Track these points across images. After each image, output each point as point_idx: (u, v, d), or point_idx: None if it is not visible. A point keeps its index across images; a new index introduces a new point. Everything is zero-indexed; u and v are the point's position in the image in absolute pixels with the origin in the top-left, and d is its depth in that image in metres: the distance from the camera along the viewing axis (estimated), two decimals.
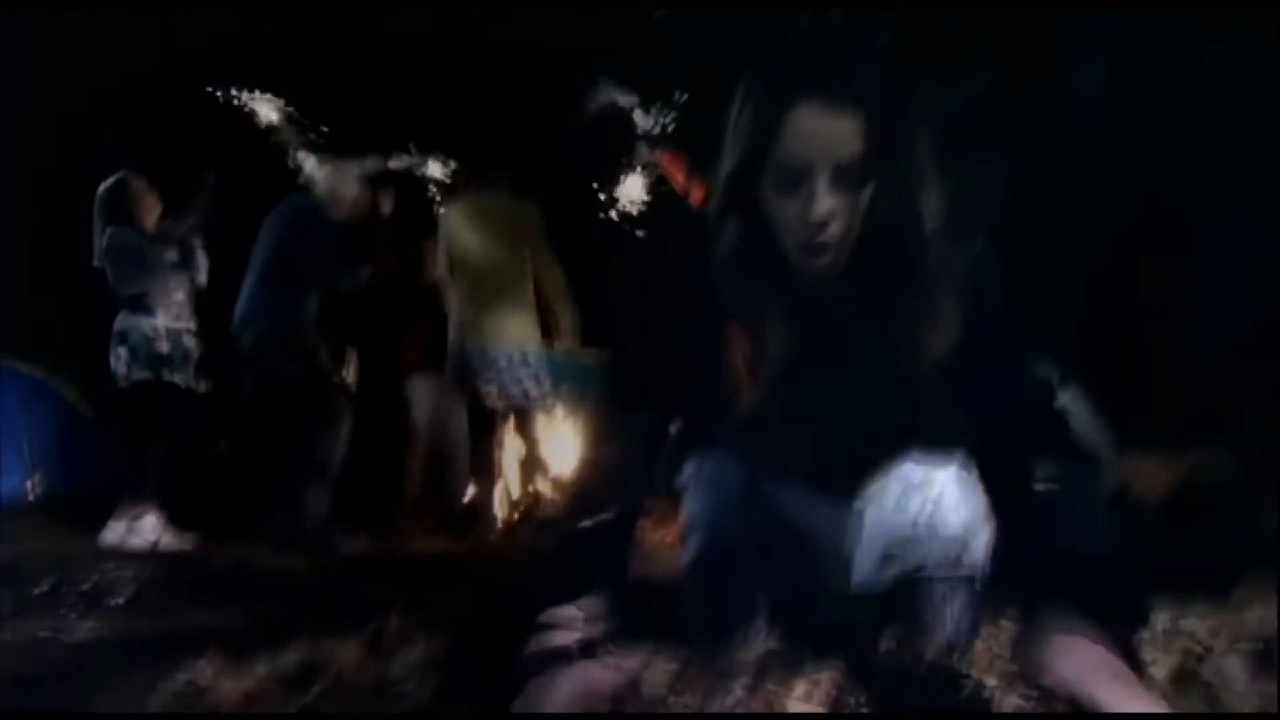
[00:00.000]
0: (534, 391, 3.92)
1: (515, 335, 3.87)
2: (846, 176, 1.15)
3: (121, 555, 3.55)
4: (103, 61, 5.05)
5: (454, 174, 4.20)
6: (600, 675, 1.11)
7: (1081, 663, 1.07)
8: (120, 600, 2.50)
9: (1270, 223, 3.42)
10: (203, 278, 4.05)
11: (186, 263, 3.98)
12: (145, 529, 3.82)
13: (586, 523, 1.27)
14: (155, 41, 4.85)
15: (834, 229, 1.16)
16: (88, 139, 5.20)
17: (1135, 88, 3.94)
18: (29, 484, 5.10)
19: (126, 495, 3.84)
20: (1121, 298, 4.05)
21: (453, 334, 3.94)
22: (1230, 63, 3.77)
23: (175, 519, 3.94)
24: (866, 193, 1.15)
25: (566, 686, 1.10)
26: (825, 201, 1.14)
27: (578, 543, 1.27)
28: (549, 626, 1.18)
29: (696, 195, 3.86)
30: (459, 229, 3.93)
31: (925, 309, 1.21)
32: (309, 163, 4.32)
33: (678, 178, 3.96)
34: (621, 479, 1.31)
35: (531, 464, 4.37)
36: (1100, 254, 3.96)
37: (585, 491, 1.32)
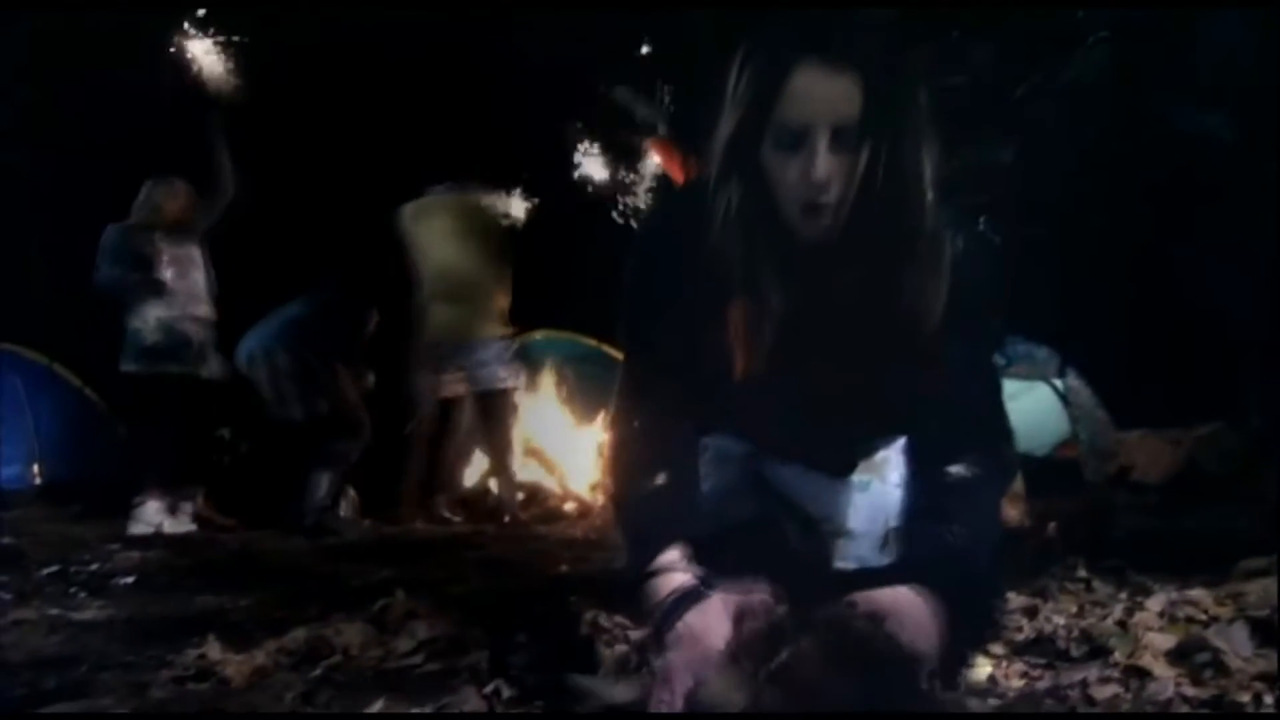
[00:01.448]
0: (502, 376, 3.95)
1: (477, 325, 3.92)
2: (846, 137, 1.15)
3: (128, 539, 3.57)
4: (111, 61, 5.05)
5: (413, 174, 4.23)
6: (744, 598, 1.12)
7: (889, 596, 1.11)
8: (128, 581, 2.51)
9: (1272, 205, 3.42)
10: (198, 275, 4.03)
11: (181, 257, 3.97)
12: (175, 513, 3.88)
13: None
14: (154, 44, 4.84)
15: (834, 190, 1.17)
16: (98, 134, 5.21)
17: (1135, 72, 3.93)
18: (34, 469, 5.13)
19: (149, 483, 3.86)
20: (1124, 279, 4.05)
21: (421, 326, 4.01)
22: (1230, 46, 3.75)
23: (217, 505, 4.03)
24: (865, 155, 1.16)
25: (723, 606, 1.11)
26: (826, 162, 1.15)
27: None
28: (667, 569, 1.19)
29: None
30: (420, 226, 3.99)
31: (921, 273, 1.21)
32: None
33: (672, 166, 3.95)
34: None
35: (523, 449, 4.40)
36: (1102, 235, 3.95)
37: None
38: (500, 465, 4.05)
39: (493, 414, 4.02)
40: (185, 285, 3.97)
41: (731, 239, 1.23)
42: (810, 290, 1.25)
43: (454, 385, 4.03)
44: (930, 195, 1.19)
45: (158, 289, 3.89)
